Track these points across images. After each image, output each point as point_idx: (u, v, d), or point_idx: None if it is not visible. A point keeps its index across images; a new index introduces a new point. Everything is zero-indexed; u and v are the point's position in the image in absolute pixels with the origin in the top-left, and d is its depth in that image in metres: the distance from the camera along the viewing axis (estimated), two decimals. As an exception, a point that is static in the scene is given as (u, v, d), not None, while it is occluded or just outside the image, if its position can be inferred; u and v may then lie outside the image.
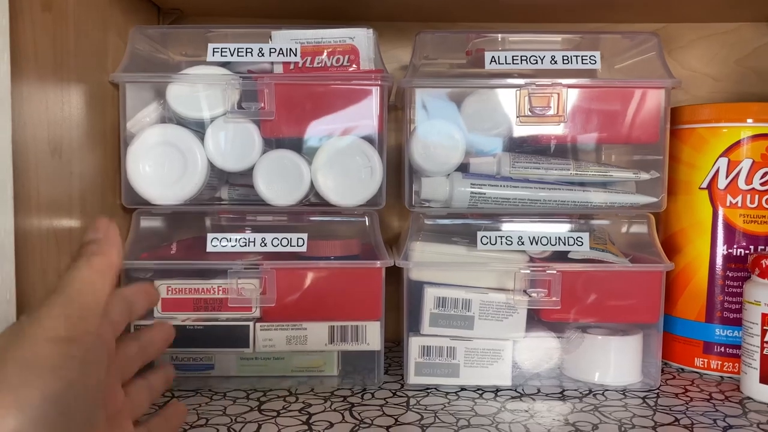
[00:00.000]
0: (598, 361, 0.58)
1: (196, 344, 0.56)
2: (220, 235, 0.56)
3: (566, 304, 0.56)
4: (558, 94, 0.55)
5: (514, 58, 0.56)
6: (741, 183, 0.60)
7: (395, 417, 0.51)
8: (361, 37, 0.57)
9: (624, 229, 0.62)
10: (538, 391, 0.57)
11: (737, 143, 0.60)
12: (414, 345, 0.57)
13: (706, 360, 0.62)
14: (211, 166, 0.56)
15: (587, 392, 0.56)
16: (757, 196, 0.60)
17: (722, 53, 0.73)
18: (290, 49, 0.56)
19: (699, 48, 0.73)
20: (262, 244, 0.56)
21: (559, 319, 0.57)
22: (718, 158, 0.61)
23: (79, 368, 0.29)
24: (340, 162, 0.56)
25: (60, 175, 0.48)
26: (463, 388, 0.57)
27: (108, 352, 0.34)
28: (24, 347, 0.28)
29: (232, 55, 0.56)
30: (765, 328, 0.54)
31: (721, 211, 0.61)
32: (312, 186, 0.56)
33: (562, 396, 0.55)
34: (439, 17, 0.71)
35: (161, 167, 0.55)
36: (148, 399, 0.39)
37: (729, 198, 0.60)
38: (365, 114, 0.56)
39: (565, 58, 0.56)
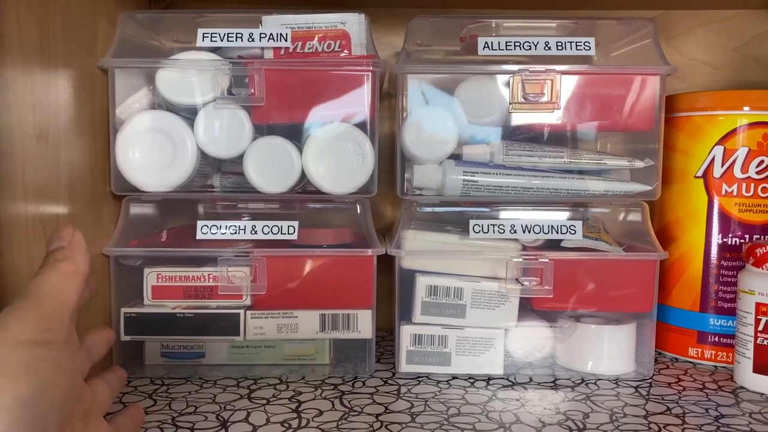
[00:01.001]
0: (591, 351, 0.57)
1: (186, 332, 0.56)
2: (210, 223, 0.55)
3: (559, 293, 0.56)
4: (552, 80, 0.54)
5: (508, 44, 0.55)
6: (737, 171, 0.59)
7: (385, 405, 0.50)
8: (353, 23, 0.56)
9: (618, 218, 0.61)
10: (530, 380, 0.56)
11: (733, 131, 0.59)
12: (405, 333, 0.56)
13: (700, 350, 0.62)
14: (202, 154, 0.56)
15: (580, 381, 0.56)
16: (752, 185, 0.59)
17: (721, 41, 0.73)
18: (281, 34, 0.55)
19: (697, 35, 0.73)
20: (253, 232, 0.55)
21: (551, 308, 0.57)
22: (713, 146, 0.60)
23: (52, 370, 0.30)
24: (331, 149, 0.55)
25: (47, 160, 0.47)
26: (454, 377, 0.57)
27: (78, 353, 0.34)
28: None
29: (222, 41, 0.55)
30: (759, 317, 0.53)
31: (716, 200, 0.60)
32: (303, 173, 0.56)
33: (554, 385, 0.55)
34: (434, 3, 0.70)
35: (151, 154, 0.55)
36: (110, 397, 0.40)
37: (724, 187, 0.60)
38: (357, 100, 0.55)
39: (559, 44, 0.55)
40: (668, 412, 0.50)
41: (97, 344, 0.40)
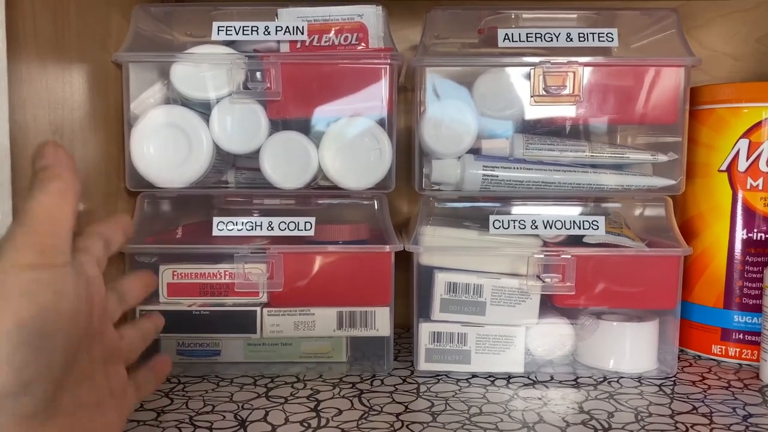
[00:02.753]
0: (613, 348, 0.56)
1: (202, 330, 0.55)
2: (226, 219, 0.54)
3: (581, 290, 0.54)
4: (574, 72, 0.53)
5: (528, 35, 0.54)
6: (762, 165, 0.58)
7: (405, 404, 0.49)
8: (370, 15, 0.55)
9: (640, 213, 0.60)
10: (551, 378, 0.55)
11: (758, 124, 0.58)
12: (424, 331, 0.56)
13: (723, 347, 0.60)
14: (217, 149, 0.55)
15: (602, 379, 0.55)
16: (779, 179, 0.58)
17: (743, 31, 0.71)
18: (297, 27, 0.54)
19: (718, 26, 0.71)
20: (269, 228, 0.54)
21: (573, 305, 0.56)
22: (738, 140, 0.59)
23: (52, 294, 0.29)
24: (348, 144, 0.54)
25: (62, 157, 0.47)
26: (474, 375, 0.56)
27: (93, 287, 0.33)
28: None
29: (237, 34, 0.54)
30: (786, 314, 0.52)
31: (740, 195, 0.59)
32: (320, 169, 0.55)
33: (576, 383, 0.54)
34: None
35: (166, 149, 0.54)
36: (140, 344, 0.39)
37: (749, 181, 0.59)
38: (374, 94, 0.54)
39: (581, 35, 0.54)
40: (695, 411, 0.49)
41: (133, 289, 0.39)
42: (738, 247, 0.60)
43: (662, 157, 0.56)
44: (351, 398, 0.51)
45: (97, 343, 0.34)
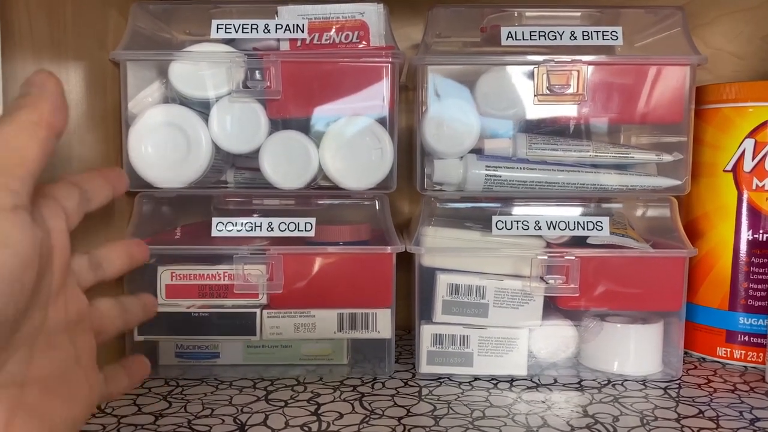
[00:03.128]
0: (617, 351, 0.56)
1: (201, 332, 0.54)
2: (225, 220, 0.54)
3: (584, 291, 0.54)
4: (578, 71, 0.52)
5: (532, 33, 0.53)
6: (768, 165, 0.57)
7: (407, 407, 0.49)
8: (371, 13, 0.54)
9: (644, 213, 0.59)
10: (555, 381, 0.55)
11: (764, 123, 0.57)
12: (426, 333, 0.55)
13: (728, 349, 0.60)
14: (216, 148, 0.54)
15: (606, 382, 0.54)
16: (785, 179, 0.57)
17: (747, 30, 0.70)
18: (297, 25, 0.53)
19: (723, 25, 0.70)
20: (269, 229, 0.54)
21: (576, 307, 0.55)
22: (744, 139, 0.58)
23: (11, 225, 0.25)
24: (349, 144, 0.53)
25: (59, 156, 0.46)
26: (476, 378, 0.55)
27: (54, 241, 0.29)
28: None
29: (236, 32, 0.53)
30: (793, 316, 0.51)
31: (746, 195, 0.58)
32: (320, 169, 0.54)
33: (579, 386, 0.53)
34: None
35: (164, 149, 0.53)
36: (118, 320, 0.35)
37: (755, 181, 0.58)
38: (375, 93, 0.54)
39: (585, 33, 0.53)
40: (701, 414, 0.48)
41: (112, 258, 0.35)
42: (743, 248, 0.59)
43: (667, 157, 0.55)
44: (352, 401, 0.50)
45: (57, 306, 0.30)
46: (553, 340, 0.56)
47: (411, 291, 0.57)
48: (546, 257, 0.53)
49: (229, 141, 0.54)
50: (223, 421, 0.46)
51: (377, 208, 0.57)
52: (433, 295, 0.55)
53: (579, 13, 0.57)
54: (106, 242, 0.36)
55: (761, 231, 0.58)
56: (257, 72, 0.53)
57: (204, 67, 0.53)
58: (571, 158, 0.55)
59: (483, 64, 0.55)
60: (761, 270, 0.58)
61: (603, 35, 0.53)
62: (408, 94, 0.69)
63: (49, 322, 0.30)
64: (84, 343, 0.32)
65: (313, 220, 0.54)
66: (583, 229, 0.54)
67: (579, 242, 0.55)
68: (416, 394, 0.52)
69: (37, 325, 0.29)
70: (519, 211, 0.55)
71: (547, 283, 0.54)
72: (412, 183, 0.57)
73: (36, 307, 0.28)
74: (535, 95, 0.53)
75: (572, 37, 0.53)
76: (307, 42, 0.54)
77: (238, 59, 0.52)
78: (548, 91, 0.53)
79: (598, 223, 0.54)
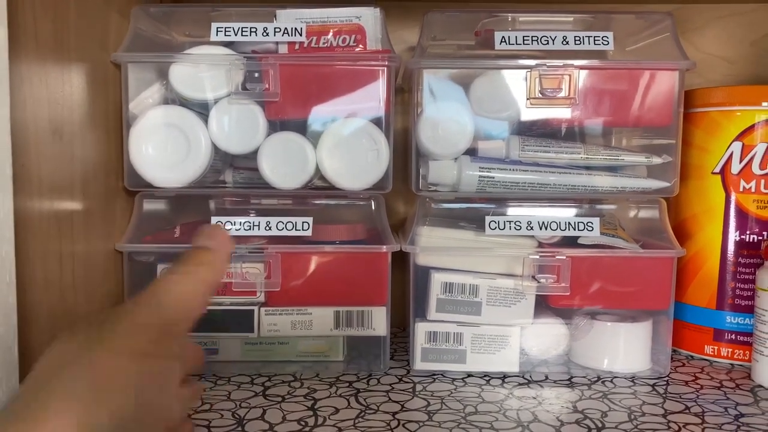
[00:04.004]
0: (607, 348, 0.57)
1: (199, 328, 0.54)
2: (224, 219, 0.55)
3: (575, 290, 0.55)
4: (570, 75, 0.54)
5: (525, 38, 0.54)
6: (755, 168, 0.59)
7: (401, 403, 0.50)
8: (368, 17, 0.55)
9: (635, 214, 0.61)
10: (546, 377, 0.56)
11: (751, 127, 0.59)
12: (420, 331, 0.56)
13: (716, 347, 0.61)
14: (215, 149, 0.55)
15: (596, 379, 0.56)
16: (771, 182, 0.58)
17: (737, 35, 0.72)
18: (295, 28, 0.54)
19: (713, 30, 0.72)
20: (267, 228, 0.55)
21: (567, 306, 0.56)
22: (731, 142, 0.59)
23: (154, 387, 0.26)
24: (346, 145, 0.55)
25: (61, 156, 0.47)
26: (469, 375, 0.56)
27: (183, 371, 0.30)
28: (100, 360, 0.25)
29: (236, 35, 0.54)
30: (778, 315, 0.53)
31: (733, 197, 0.60)
32: (317, 169, 0.55)
33: (570, 383, 0.55)
34: (447, -3, 0.69)
35: (164, 149, 0.54)
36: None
37: (742, 183, 0.59)
38: (372, 96, 0.55)
39: (577, 38, 0.55)
40: (687, 411, 0.49)
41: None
42: (731, 248, 0.60)
43: (656, 160, 0.57)
44: (348, 397, 0.51)
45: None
46: (544, 338, 0.57)
47: (406, 289, 0.58)
48: (538, 257, 0.55)
49: (228, 142, 0.55)
50: (222, 415, 0.47)
51: (373, 208, 0.58)
52: (428, 294, 0.56)
53: (571, 18, 0.58)
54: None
55: (748, 232, 0.60)
56: (256, 74, 0.54)
57: (204, 70, 0.54)
58: (563, 160, 0.56)
59: (477, 68, 0.56)
60: (748, 270, 0.60)
61: (594, 40, 0.54)
62: (404, 96, 0.70)
63: None
64: None
65: (310, 220, 0.55)
66: (575, 229, 0.55)
67: (570, 242, 0.56)
68: (410, 390, 0.53)
69: None
70: (512, 211, 0.57)
71: (538, 282, 0.55)
72: (408, 183, 0.58)
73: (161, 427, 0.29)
74: (527, 98, 0.55)
75: (564, 42, 0.54)
76: (305, 45, 0.55)
77: (238, 62, 0.54)
78: (541, 95, 0.54)
79: (589, 224, 0.55)
